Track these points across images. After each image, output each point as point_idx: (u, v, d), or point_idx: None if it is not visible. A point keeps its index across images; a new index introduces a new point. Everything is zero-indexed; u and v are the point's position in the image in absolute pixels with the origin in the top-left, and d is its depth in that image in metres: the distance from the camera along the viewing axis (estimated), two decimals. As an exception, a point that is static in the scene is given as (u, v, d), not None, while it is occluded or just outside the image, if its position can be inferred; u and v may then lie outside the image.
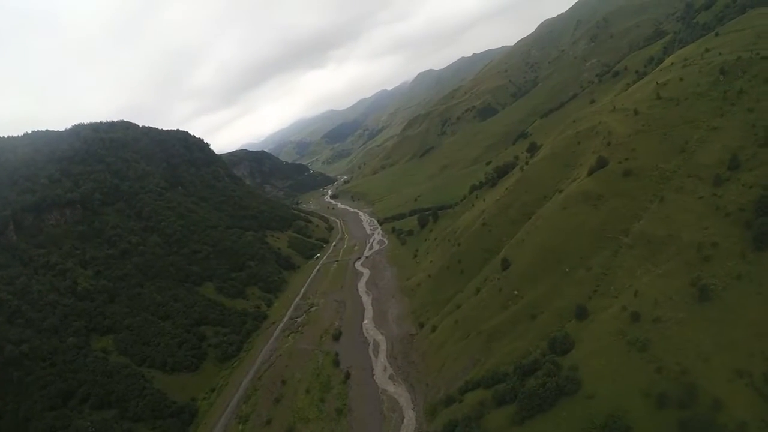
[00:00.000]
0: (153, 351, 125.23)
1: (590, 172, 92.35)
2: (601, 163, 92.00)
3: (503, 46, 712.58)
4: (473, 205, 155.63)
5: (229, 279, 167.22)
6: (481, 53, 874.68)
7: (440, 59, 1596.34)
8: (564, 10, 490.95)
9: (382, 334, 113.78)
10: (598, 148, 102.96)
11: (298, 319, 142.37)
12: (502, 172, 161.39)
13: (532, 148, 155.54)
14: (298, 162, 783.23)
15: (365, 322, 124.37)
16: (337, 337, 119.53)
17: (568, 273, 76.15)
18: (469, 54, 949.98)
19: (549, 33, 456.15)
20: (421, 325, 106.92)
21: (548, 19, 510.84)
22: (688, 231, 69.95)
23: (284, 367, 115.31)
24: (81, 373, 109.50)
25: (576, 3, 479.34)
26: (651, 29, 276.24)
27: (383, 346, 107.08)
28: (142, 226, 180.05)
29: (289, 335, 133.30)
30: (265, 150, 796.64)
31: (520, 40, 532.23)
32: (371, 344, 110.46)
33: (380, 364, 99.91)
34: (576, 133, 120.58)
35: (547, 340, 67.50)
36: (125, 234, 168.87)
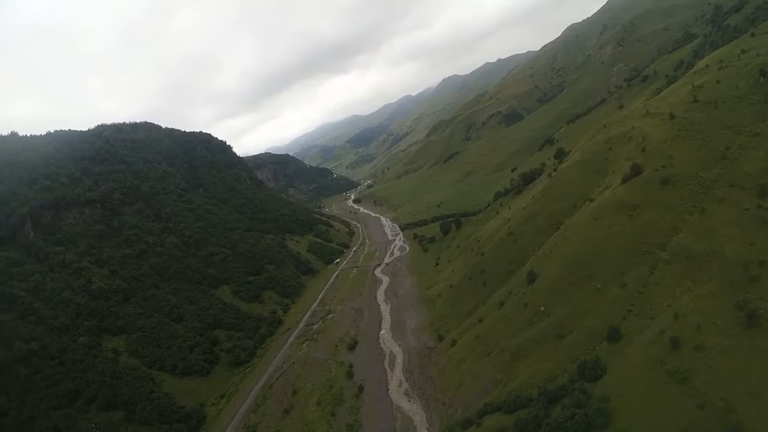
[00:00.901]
0: (164, 353, 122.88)
1: (624, 180, 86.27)
2: (636, 171, 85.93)
3: (528, 51, 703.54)
4: (498, 213, 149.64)
5: (246, 283, 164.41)
6: (505, 59, 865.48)
7: (464, 65, 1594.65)
8: (589, 15, 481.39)
9: (399, 345, 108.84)
10: (632, 154, 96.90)
11: (314, 326, 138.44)
12: (529, 178, 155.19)
13: (560, 154, 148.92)
14: (322, 166, 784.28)
15: (382, 332, 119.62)
16: (352, 347, 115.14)
17: (600, 289, 70.30)
18: (493, 59, 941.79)
19: (575, 38, 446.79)
20: (440, 338, 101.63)
21: (573, 24, 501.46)
22: (732, 247, 63.77)
23: (296, 376, 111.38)
24: (89, 373, 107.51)
25: (601, 8, 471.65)
26: (679, 33, 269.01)
27: (400, 359, 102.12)
28: (161, 227, 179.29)
29: (303, 342, 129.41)
30: (291, 154, 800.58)
31: (546, 45, 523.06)
32: (387, 356, 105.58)
33: (396, 378, 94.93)
34: (607, 139, 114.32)
35: (576, 363, 61.89)
36: (143, 234, 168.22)
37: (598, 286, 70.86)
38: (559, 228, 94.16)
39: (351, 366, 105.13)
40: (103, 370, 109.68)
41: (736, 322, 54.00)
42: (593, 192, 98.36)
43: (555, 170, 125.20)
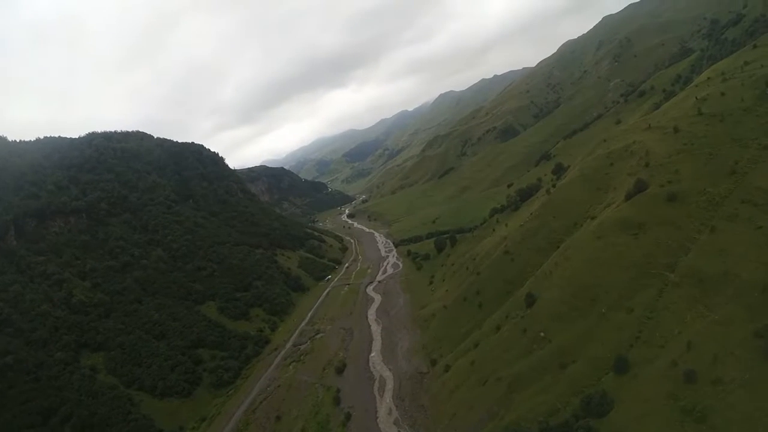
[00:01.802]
0: (144, 372, 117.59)
1: (628, 197, 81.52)
2: (640, 187, 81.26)
3: (524, 68, 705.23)
4: (494, 230, 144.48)
5: (233, 299, 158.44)
6: (502, 74, 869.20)
7: (461, 80, 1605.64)
8: (585, 31, 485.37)
9: (389, 369, 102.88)
10: (635, 169, 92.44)
11: (302, 347, 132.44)
12: (526, 194, 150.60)
13: (559, 170, 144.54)
14: (318, 180, 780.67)
15: (372, 354, 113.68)
16: (340, 370, 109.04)
17: (605, 314, 65.10)
18: (490, 75, 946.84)
19: (571, 53, 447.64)
20: (433, 363, 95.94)
21: (570, 40, 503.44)
22: (748, 268, 58.86)
23: (281, 400, 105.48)
24: (66, 390, 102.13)
25: (597, 24, 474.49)
26: (676, 48, 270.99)
27: (390, 385, 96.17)
28: (147, 239, 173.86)
29: (290, 364, 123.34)
30: (286, 167, 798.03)
31: (542, 61, 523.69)
32: (377, 381, 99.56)
33: (385, 405, 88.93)
34: (608, 153, 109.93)
35: (579, 396, 56.45)
36: (128, 246, 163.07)
37: (603, 310, 65.67)
38: (558, 247, 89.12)
39: (338, 391, 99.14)
40: (79, 388, 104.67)
41: (756, 353, 48.96)
42: (595, 209, 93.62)
43: (553, 186, 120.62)
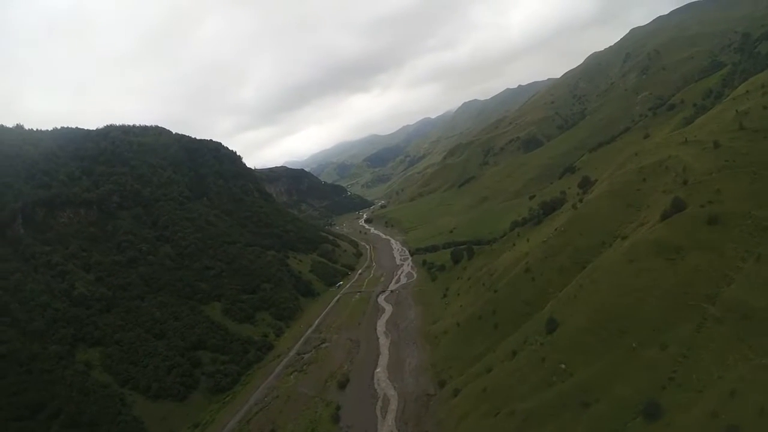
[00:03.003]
0: (139, 372, 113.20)
1: (664, 217, 73.99)
2: (678, 206, 73.67)
3: (549, 79, 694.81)
4: (514, 245, 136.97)
5: (239, 301, 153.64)
6: (526, 85, 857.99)
7: (484, 90, 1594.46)
8: (609, 44, 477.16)
9: (395, 388, 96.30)
10: (671, 186, 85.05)
11: (306, 356, 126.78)
12: (549, 208, 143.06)
13: (585, 184, 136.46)
14: (338, 183, 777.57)
15: (378, 370, 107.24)
16: (343, 385, 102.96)
17: (635, 350, 57.73)
18: (514, 85, 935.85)
19: (597, 65, 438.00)
20: (442, 384, 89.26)
21: (596, 52, 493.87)
22: (800, 304, 51.47)
23: (278, 412, 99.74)
24: (57, 385, 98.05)
25: (623, 36, 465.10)
26: (706, 61, 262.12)
27: (394, 405, 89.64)
28: (156, 235, 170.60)
29: (291, 373, 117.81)
30: (308, 169, 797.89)
31: (567, 72, 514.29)
32: (380, 400, 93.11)
33: (387, 428, 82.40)
34: (640, 168, 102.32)
35: (604, 443, 49.56)
36: (136, 241, 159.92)
37: (633, 345, 58.28)
38: (584, 267, 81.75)
39: (338, 408, 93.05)
40: (71, 384, 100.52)
41: (813, 407, 41.68)
42: (625, 228, 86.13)
43: (580, 201, 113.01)
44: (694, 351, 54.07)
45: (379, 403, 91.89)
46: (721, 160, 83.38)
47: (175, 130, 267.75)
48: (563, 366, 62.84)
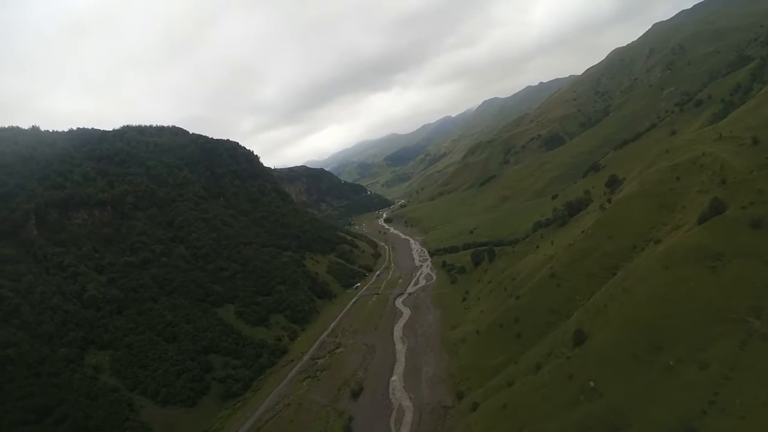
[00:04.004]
0: (149, 376, 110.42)
1: (701, 220, 67.56)
2: (717, 208, 67.11)
3: (570, 75, 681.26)
4: (538, 247, 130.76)
5: (254, 303, 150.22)
6: (547, 82, 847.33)
7: (505, 88, 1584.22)
8: (631, 41, 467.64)
9: (410, 398, 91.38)
10: (708, 186, 78.63)
11: (319, 361, 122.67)
12: (575, 208, 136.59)
13: (613, 183, 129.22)
14: (358, 182, 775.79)
15: (393, 378, 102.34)
16: (356, 394, 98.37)
17: (673, 368, 51.81)
18: (535, 83, 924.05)
19: (620, 61, 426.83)
20: (460, 396, 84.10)
21: (618, 48, 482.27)
22: None
23: (288, 421, 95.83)
24: (65, 389, 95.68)
25: (646, 32, 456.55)
26: (732, 55, 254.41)
27: (409, 417, 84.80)
28: (171, 236, 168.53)
29: (304, 380, 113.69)
30: (328, 169, 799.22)
31: (589, 69, 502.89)
32: (395, 411, 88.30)
33: (401, 443, 77.97)
34: (673, 166, 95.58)
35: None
36: (150, 242, 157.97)
37: (671, 363, 52.34)
38: (614, 274, 75.60)
39: (351, 419, 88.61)
40: (79, 388, 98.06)
41: None
42: (658, 231, 79.71)
43: (608, 201, 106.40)
44: (738, 371, 47.88)
45: (394, 415, 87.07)
46: (761, 158, 77.02)
47: (197, 130, 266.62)
48: (592, 384, 57.14)
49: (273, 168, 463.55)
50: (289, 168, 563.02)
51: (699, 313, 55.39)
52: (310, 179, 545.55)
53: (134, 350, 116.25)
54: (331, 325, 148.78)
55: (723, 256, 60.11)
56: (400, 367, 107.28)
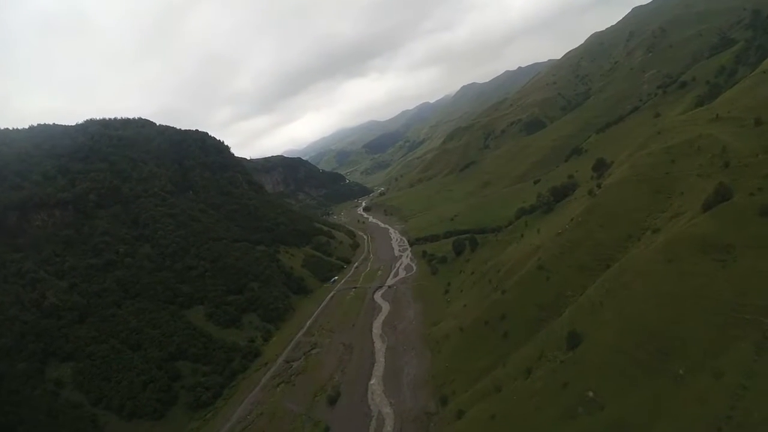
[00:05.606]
0: (113, 389, 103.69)
1: (706, 207, 61.47)
2: (723, 194, 60.95)
3: (549, 60, 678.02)
4: (523, 236, 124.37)
5: (224, 303, 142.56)
6: (526, 66, 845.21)
7: (484, 73, 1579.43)
8: (611, 24, 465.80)
9: (390, 405, 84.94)
10: (709, 170, 73.16)
11: (294, 364, 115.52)
12: (560, 194, 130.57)
13: (601, 167, 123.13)
14: (337, 171, 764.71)
15: (372, 381, 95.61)
16: (333, 400, 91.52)
17: (683, 377, 45.64)
18: (514, 68, 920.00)
19: (599, 45, 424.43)
20: (444, 401, 77.70)
21: (597, 32, 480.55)
22: None
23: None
24: (24, 407, 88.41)
25: (626, 15, 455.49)
26: (715, 38, 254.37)
27: (389, 426, 78.48)
28: (136, 235, 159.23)
29: (278, 385, 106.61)
30: (306, 158, 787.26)
31: (569, 52, 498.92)
32: (374, 419, 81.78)
33: (381, 456, 71.27)
34: (667, 149, 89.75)
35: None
36: (114, 242, 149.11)
37: (680, 371, 46.07)
38: (609, 266, 69.20)
39: (327, 430, 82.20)
40: (39, 406, 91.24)
41: None
42: (656, 219, 73.61)
43: (598, 187, 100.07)
44: (755, 380, 41.61)
45: (373, 423, 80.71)
46: (765, 139, 71.44)
47: (170, 122, 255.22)
48: (591, 394, 50.77)
49: (248, 159, 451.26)
50: (264, 158, 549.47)
51: (710, 313, 49.08)
52: (287, 169, 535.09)
53: (97, 361, 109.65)
54: (308, 323, 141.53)
55: (733, 248, 53.80)
56: (379, 369, 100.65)
